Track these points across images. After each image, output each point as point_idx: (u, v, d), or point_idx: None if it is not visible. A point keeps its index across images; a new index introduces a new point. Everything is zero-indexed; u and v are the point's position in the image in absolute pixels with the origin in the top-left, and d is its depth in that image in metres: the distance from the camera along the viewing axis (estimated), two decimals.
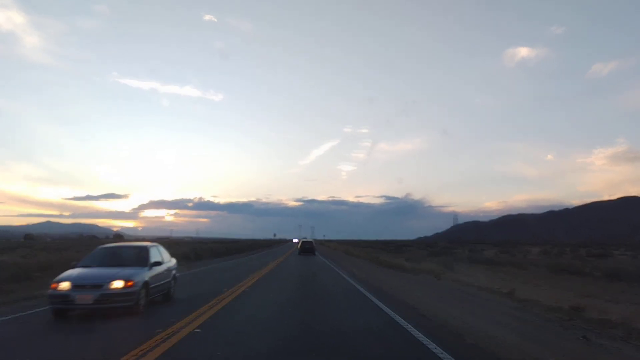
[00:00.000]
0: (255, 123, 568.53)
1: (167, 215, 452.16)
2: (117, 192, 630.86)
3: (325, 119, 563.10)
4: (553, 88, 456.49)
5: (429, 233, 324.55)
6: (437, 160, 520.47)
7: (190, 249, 35.01)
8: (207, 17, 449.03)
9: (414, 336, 7.30)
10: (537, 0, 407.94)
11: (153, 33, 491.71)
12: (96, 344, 6.83)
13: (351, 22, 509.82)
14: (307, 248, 45.00)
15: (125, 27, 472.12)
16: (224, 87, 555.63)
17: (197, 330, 7.48)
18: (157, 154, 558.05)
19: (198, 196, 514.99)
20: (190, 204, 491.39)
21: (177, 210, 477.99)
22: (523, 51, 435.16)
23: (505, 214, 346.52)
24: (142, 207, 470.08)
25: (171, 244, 61.38)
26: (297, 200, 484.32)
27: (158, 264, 10.60)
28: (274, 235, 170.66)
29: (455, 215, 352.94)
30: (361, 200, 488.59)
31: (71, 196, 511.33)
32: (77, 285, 8.62)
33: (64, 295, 8.50)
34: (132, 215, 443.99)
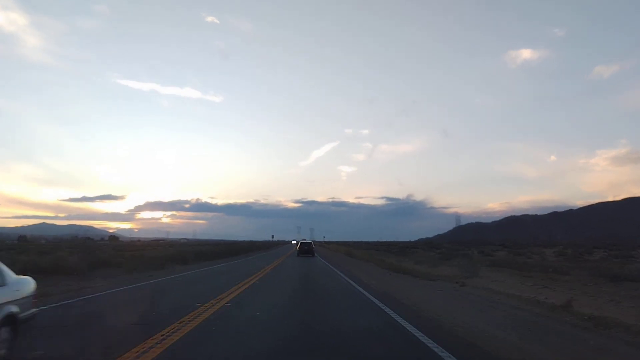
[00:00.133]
0: (255, 123, 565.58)
1: (164, 217, 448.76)
2: (114, 193, 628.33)
3: (326, 119, 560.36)
4: (554, 88, 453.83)
5: (431, 234, 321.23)
6: (438, 161, 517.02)
7: (177, 252, 31.95)
8: (207, 17, 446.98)
9: None
10: (537, 1, 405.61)
11: (153, 33, 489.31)
12: None
13: (351, 22, 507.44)
14: (306, 249, 44.97)
15: (125, 27, 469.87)
16: (224, 87, 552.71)
17: None
18: (157, 155, 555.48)
19: (195, 197, 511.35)
20: (187, 205, 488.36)
21: (173, 212, 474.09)
22: (524, 51, 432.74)
23: (508, 215, 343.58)
24: (138, 208, 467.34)
25: (162, 246, 58.40)
26: (297, 201, 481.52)
27: None
28: (272, 237, 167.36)
29: (457, 216, 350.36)
30: (362, 201, 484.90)
31: (67, 197, 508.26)
32: None
33: None
34: (128, 216, 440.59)
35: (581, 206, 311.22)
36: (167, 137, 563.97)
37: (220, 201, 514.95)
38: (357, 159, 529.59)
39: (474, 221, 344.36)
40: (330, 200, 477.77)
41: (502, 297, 12.83)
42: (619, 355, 6.38)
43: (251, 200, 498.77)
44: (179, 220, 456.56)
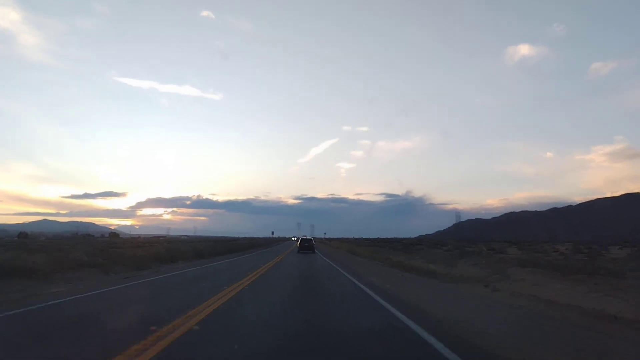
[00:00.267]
0: (255, 123, 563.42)
1: (165, 214, 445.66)
2: (115, 190, 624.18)
3: (325, 118, 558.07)
4: (553, 88, 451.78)
5: (430, 231, 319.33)
6: (438, 160, 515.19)
7: (166, 250, 29.12)
8: (207, 16, 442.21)
9: None
10: (537, 0, 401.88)
11: (153, 33, 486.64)
12: None
13: (351, 22, 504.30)
14: (307, 246, 44.43)
15: (125, 27, 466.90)
16: (224, 86, 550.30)
17: None
18: (157, 154, 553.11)
19: (196, 194, 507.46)
20: (188, 202, 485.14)
21: (174, 209, 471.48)
22: (523, 51, 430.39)
23: (507, 211, 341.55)
24: (140, 205, 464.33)
25: (160, 242, 54.93)
26: (297, 198, 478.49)
27: None
28: (272, 233, 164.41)
29: (457, 213, 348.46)
30: (361, 198, 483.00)
31: (68, 194, 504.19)
32: None
33: None
34: (129, 213, 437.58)
35: (580, 202, 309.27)
36: (167, 136, 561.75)
37: (221, 198, 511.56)
38: (356, 156, 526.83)
39: (473, 218, 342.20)
40: (330, 197, 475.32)
41: (560, 310, 10.05)
42: None
43: (251, 197, 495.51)
44: (179, 216, 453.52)
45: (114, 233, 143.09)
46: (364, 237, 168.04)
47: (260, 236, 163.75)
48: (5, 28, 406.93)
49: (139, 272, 20.12)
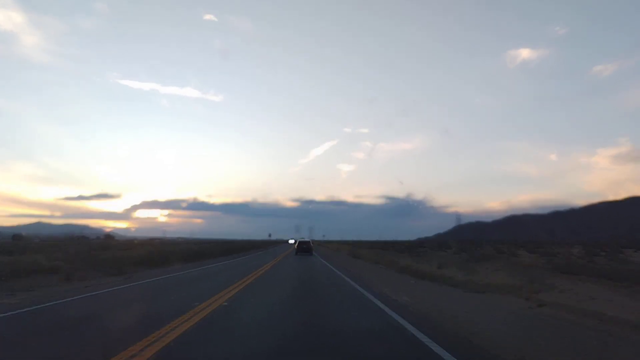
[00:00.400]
0: (255, 123, 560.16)
1: (161, 216, 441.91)
2: (110, 192, 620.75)
3: (325, 119, 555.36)
4: (554, 88, 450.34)
5: (430, 233, 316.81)
6: (438, 161, 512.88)
7: (147, 253, 26.31)
8: (207, 17, 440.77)
9: None
10: (537, 1, 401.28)
11: (153, 33, 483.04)
12: None
13: (351, 22, 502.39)
14: (305, 248, 43.73)
15: (125, 27, 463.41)
16: (224, 87, 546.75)
17: None
18: (157, 154, 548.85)
19: (192, 197, 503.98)
20: (184, 204, 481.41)
21: (170, 211, 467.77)
22: (524, 51, 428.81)
23: (508, 214, 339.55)
24: (135, 207, 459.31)
25: (153, 245, 52.00)
26: (295, 200, 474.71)
27: None
28: (269, 235, 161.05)
29: (458, 215, 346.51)
30: (361, 200, 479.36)
31: (63, 196, 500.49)
32: None
33: None
34: (124, 215, 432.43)
35: (583, 205, 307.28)
36: (166, 137, 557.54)
37: (217, 200, 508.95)
38: (356, 158, 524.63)
39: (474, 220, 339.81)
40: (329, 199, 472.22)
41: None
42: None
43: (249, 199, 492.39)
44: (175, 219, 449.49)
45: (109, 235, 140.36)
46: (363, 239, 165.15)
47: (258, 238, 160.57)
48: (5, 28, 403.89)
49: (111, 277, 17.38)
